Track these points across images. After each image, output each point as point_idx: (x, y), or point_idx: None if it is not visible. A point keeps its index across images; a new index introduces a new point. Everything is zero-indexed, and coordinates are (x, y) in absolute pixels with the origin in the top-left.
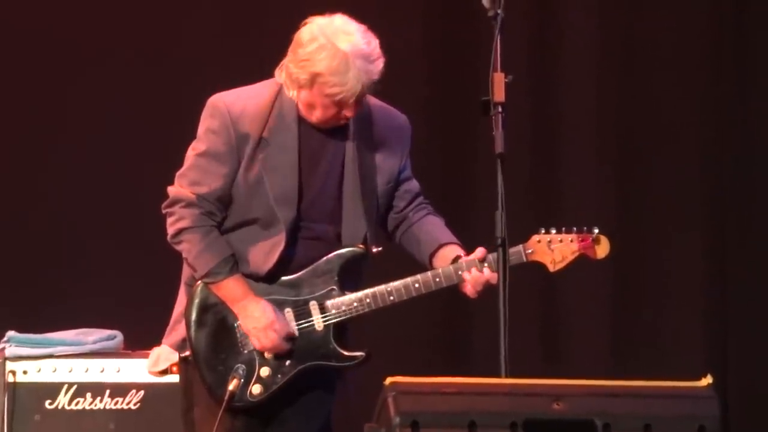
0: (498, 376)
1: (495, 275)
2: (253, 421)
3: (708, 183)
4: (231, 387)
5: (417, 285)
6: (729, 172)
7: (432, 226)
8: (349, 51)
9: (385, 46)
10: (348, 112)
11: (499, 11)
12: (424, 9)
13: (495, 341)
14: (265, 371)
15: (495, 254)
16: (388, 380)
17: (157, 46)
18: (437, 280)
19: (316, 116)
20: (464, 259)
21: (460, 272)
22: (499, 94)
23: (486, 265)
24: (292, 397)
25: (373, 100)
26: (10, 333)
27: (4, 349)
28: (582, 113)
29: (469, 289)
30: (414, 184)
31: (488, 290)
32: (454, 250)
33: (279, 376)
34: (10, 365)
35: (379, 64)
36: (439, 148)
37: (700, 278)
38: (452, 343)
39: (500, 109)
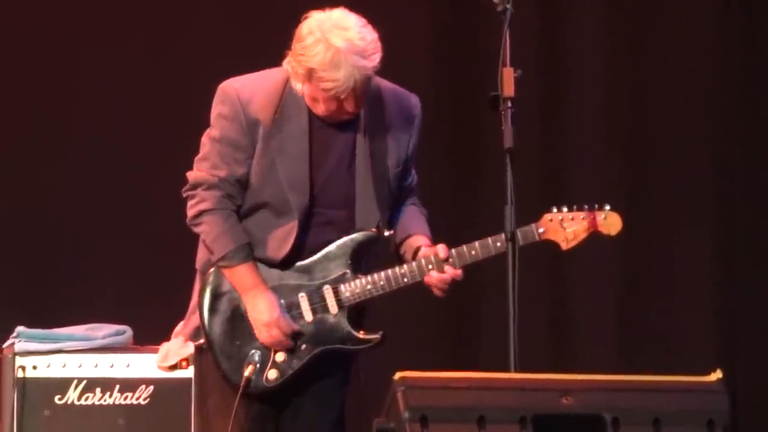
0: (507, 371)
1: (459, 272)
2: (269, 408)
3: (718, 179)
4: (247, 373)
5: (430, 266)
6: (739, 168)
7: (407, 217)
8: (342, 47)
9: (393, 41)
10: (349, 107)
11: (508, 6)
12: (433, 3)
13: (503, 336)
14: (280, 356)
15: (476, 244)
16: (398, 375)
17: (161, 43)
18: (450, 260)
19: (320, 109)
20: (422, 253)
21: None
22: (508, 89)
23: (450, 262)
24: (307, 384)
25: (384, 83)
26: (20, 328)
27: (13, 344)
28: (591, 108)
29: (436, 291)
30: (412, 177)
31: (498, 283)
32: (418, 240)
33: (295, 360)
34: (19, 360)
35: (375, 59)
36: (448, 143)
37: (709, 274)
38: (461, 338)
39: (509, 104)
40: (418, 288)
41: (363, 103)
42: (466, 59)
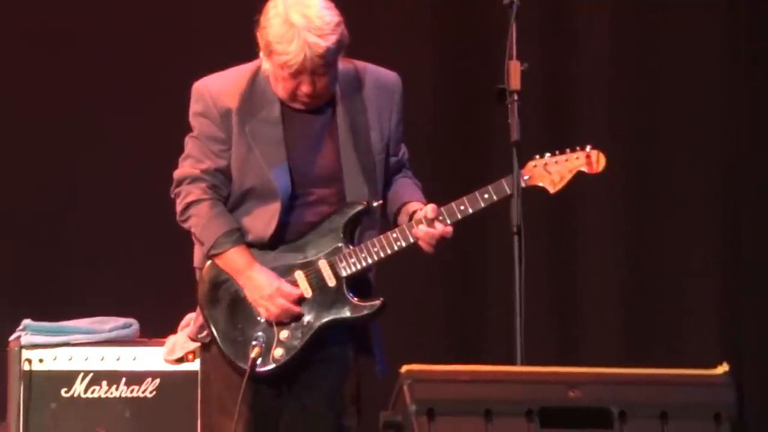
0: (513, 364)
1: (449, 229)
2: (274, 400)
3: (724, 174)
4: (253, 354)
5: (421, 225)
6: (745, 162)
7: (400, 187)
8: (296, 22)
9: (400, 34)
10: (305, 88)
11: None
12: None
13: (510, 329)
14: (284, 334)
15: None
16: (404, 368)
17: (167, 43)
18: (440, 218)
19: (280, 90)
20: (417, 214)
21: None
22: (515, 82)
23: (440, 219)
24: (312, 373)
25: (361, 64)
26: (26, 321)
27: (20, 337)
28: (597, 101)
29: (423, 245)
30: (402, 152)
31: (505, 276)
32: (412, 206)
33: (300, 334)
34: (26, 353)
35: (330, 40)
36: (455, 136)
37: (716, 266)
38: (467, 331)
39: (516, 97)
40: (422, 281)
41: (322, 91)
42: (472, 52)
